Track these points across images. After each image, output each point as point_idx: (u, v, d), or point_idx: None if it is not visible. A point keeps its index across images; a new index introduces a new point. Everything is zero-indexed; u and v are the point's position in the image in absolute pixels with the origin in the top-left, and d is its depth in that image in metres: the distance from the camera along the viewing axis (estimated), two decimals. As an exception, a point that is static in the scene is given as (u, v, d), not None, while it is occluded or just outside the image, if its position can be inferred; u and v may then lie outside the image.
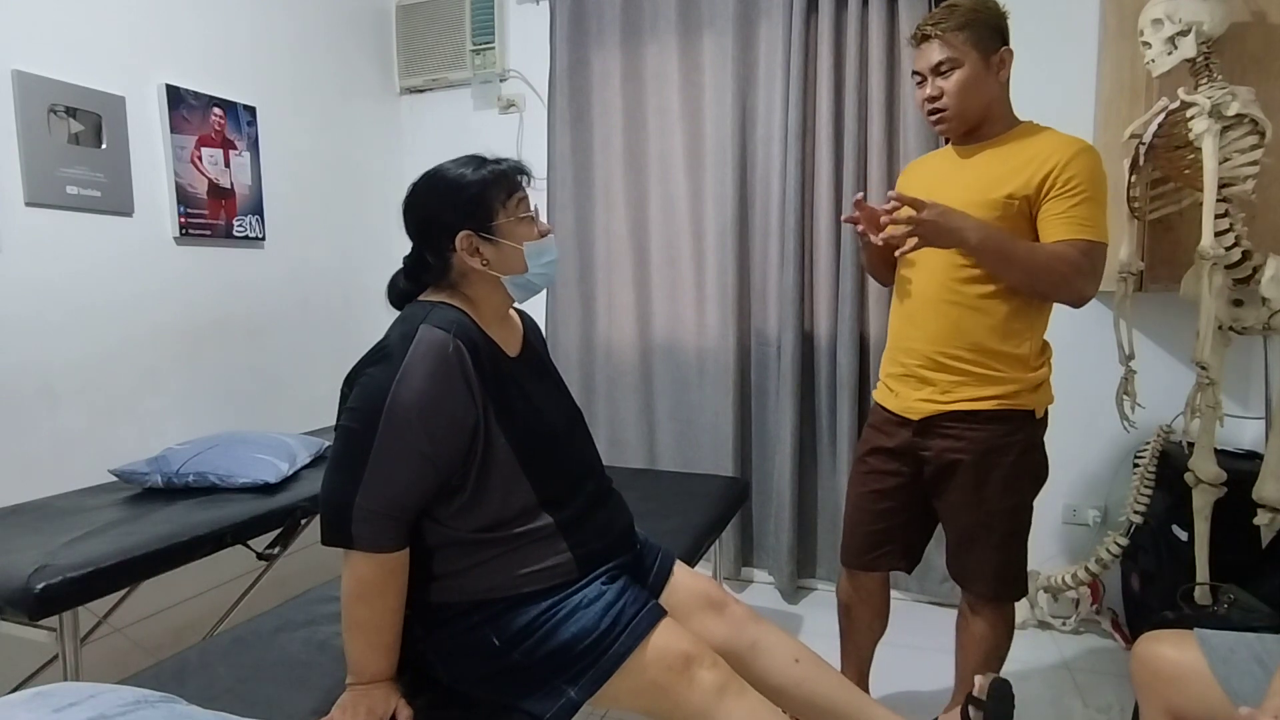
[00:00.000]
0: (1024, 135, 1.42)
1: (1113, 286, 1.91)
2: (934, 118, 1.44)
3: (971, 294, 1.41)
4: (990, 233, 1.32)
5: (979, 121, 1.43)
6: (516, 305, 1.28)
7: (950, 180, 1.46)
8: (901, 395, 1.51)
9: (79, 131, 1.92)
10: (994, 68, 1.40)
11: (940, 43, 1.38)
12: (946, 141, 1.55)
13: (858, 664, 1.71)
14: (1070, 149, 1.35)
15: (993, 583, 1.50)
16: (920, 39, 1.41)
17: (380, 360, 1.07)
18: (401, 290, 1.21)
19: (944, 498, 1.50)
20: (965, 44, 1.37)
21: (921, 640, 2.09)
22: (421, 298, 1.18)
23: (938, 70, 1.39)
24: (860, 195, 1.41)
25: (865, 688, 1.73)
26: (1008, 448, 1.42)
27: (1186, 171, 1.77)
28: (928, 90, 1.41)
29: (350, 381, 1.10)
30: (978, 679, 1.32)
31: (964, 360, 1.42)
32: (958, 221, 1.31)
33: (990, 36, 1.39)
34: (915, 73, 1.44)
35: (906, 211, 1.29)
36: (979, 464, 1.43)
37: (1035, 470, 1.48)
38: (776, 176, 2.45)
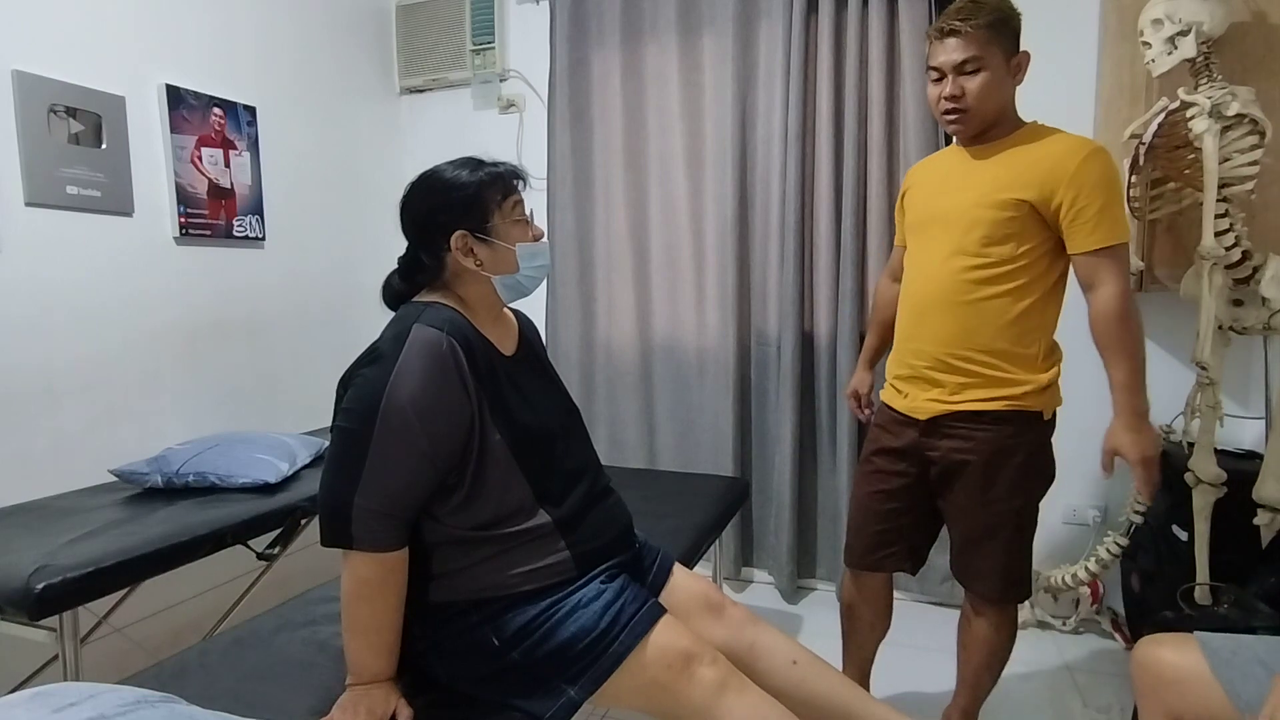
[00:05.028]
0: (1034, 137, 1.40)
1: (1113, 286, 1.91)
2: (951, 116, 1.40)
3: (981, 295, 1.40)
4: (1134, 396, 1.34)
5: (993, 123, 1.41)
6: (512, 305, 1.28)
7: (962, 181, 1.45)
8: (910, 395, 1.51)
9: (79, 131, 1.92)
10: (1013, 70, 1.38)
11: (965, 40, 1.33)
12: (948, 140, 1.55)
13: (860, 664, 1.71)
14: (1080, 153, 1.33)
15: (998, 584, 1.50)
16: (945, 34, 1.35)
17: (374, 361, 1.07)
18: (396, 290, 1.21)
19: (950, 498, 1.50)
20: (990, 44, 1.34)
21: (922, 641, 2.09)
22: (416, 298, 1.18)
23: (961, 69, 1.35)
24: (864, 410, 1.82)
25: (867, 688, 1.73)
26: (1015, 448, 1.42)
27: (1186, 171, 1.77)
28: (947, 88, 1.37)
29: (345, 383, 1.11)
30: None
31: (974, 362, 1.41)
32: (1135, 432, 1.34)
33: (1011, 38, 1.37)
34: (933, 68, 1.39)
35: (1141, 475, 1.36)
36: (987, 464, 1.43)
37: (1042, 471, 1.47)
38: (776, 176, 2.45)
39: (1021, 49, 1.39)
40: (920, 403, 1.48)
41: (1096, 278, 1.34)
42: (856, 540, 1.63)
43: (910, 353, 1.51)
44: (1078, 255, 1.35)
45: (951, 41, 1.35)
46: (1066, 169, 1.32)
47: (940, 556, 1.68)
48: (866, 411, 1.82)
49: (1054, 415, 1.47)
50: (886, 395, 1.60)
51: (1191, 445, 1.74)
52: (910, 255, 1.56)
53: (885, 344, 1.75)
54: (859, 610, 1.68)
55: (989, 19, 1.33)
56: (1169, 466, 1.91)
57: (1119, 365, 1.34)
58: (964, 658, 1.61)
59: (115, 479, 1.85)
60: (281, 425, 2.37)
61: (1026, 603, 2.22)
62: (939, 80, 1.39)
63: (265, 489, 1.84)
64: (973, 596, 1.56)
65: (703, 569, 1.62)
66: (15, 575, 1.32)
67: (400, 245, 1.21)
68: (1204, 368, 1.64)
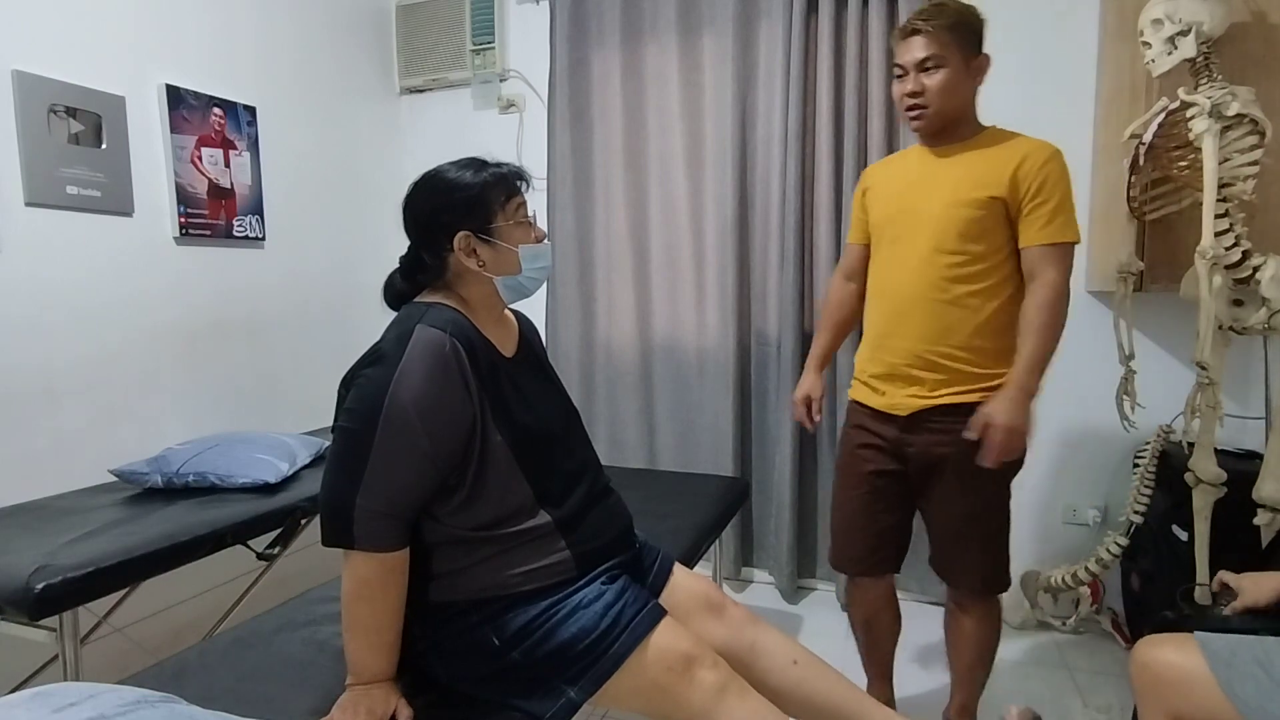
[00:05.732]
0: (998, 139, 1.46)
1: (1113, 286, 1.91)
2: (912, 114, 1.46)
3: (961, 292, 1.42)
4: (1030, 374, 1.35)
5: (953, 122, 1.45)
6: (512, 306, 1.28)
7: (930, 180, 1.48)
8: (888, 393, 1.51)
9: (79, 131, 1.92)
10: (973, 72, 1.43)
11: (927, 38, 1.40)
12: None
13: (883, 670, 1.72)
14: (1044, 153, 1.40)
15: (981, 577, 1.52)
16: (908, 33, 1.43)
17: (377, 361, 1.07)
18: (398, 290, 1.21)
19: (931, 494, 1.51)
20: (950, 44, 1.40)
21: (921, 640, 2.09)
22: (417, 299, 1.18)
23: (922, 66, 1.41)
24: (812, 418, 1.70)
25: (891, 693, 1.73)
26: None
27: (1186, 171, 1.77)
28: (909, 85, 1.43)
29: (347, 383, 1.11)
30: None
31: (954, 358, 1.44)
32: (1015, 404, 1.34)
33: (972, 41, 1.42)
34: (897, 65, 1.46)
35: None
36: (967, 456, 1.42)
37: (1019, 458, 1.49)
38: (776, 176, 2.45)
39: (986, 54, 1.44)
40: (900, 399, 1.49)
41: (1040, 268, 1.39)
42: (851, 545, 1.62)
43: (889, 350, 1.51)
44: (1027, 249, 1.40)
45: (913, 40, 1.42)
46: (1033, 165, 1.38)
47: (930, 555, 1.67)
48: (817, 419, 1.73)
49: None
50: (859, 394, 1.59)
51: (1191, 445, 1.74)
52: (880, 255, 1.57)
53: (836, 346, 1.78)
54: (879, 619, 1.67)
55: (949, 20, 1.40)
56: (1169, 466, 1.92)
57: (1032, 343, 1.37)
58: (955, 655, 1.61)
59: (115, 479, 1.85)
60: (281, 425, 2.37)
61: (1026, 603, 2.23)
62: (901, 77, 1.45)
63: (265, 489, 1.84)
64: (958, 592, 1.57)
65: (703, 569, 1.61)
66: (15, 575, 1.32)
67: (400, 245, 1.21)
68: (1204, 368, 1.64)
